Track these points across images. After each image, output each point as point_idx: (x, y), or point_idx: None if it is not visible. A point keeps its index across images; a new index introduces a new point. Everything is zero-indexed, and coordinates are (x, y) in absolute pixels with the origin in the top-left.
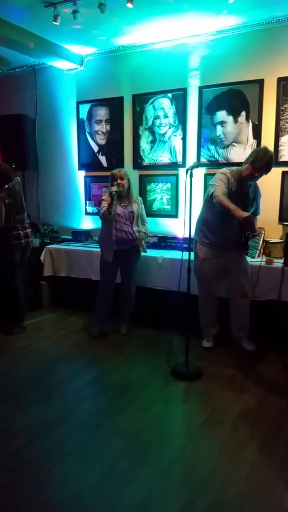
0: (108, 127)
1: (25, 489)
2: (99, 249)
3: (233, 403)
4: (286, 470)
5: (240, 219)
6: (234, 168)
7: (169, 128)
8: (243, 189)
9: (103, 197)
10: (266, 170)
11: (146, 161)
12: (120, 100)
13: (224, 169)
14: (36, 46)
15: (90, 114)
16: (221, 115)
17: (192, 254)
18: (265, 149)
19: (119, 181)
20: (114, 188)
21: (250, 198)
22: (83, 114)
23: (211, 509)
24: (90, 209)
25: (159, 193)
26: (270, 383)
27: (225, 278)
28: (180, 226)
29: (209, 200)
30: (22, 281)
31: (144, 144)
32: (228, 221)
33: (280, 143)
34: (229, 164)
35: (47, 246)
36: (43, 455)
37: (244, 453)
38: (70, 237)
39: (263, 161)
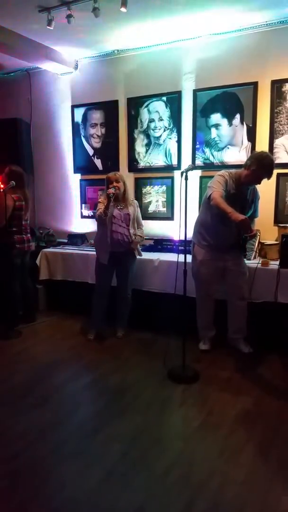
0: (103, 130)
1: (21, 495)
2: (95, 252)
3: (230, 406)
4: (284, 472)
5: (236, 222)
6: (233, 170)
7: (164, 131)
8: (241, 191)
9: (99, 200)
10: (268, 177)
11: (142, 164)
12: (115, 103)
13: (223, 171)
14: (30, 50)
15: (85, 118)
16: (216, 118)
17: (188, 256)
18: (267, 156)
19: (114, 183)
20: (112, 190)
21: (248, 201)
22: (78, 118)
23: (210, 511)
24: (85, 212)
25: (155, 196)
26: (267, 385)
27: (223, 280)
28: (176, 229)
29: (207, 202)
30: (25, 284)
31: (139, 147)
32: (226, 223)
33: (274, 146)
34: (224, 166)
35: (43, 250)
36: (39, 460)
37: (241, 455)
38: (66, 241)
39: (265, 169)
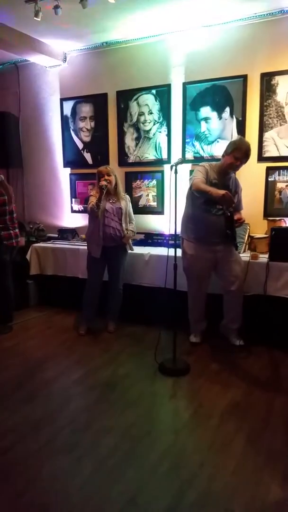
0: (92, 124)
1: (12, 489)
2: (85, 247)
3: (220, 398)
4: (273, 462)
5: (218, 197)
6: (213, 162)
7: (154, 124)
8: (223, 181)
9: (91, 193)
10: (246, 158)
11: (131, 158)
12: (104, 96)
13: (202, 163)
14: (17, 42)
15: (74, 111)
16: (205, 111)
17: (178, 250)
18: (241, 138)
19: (106, 177)
20: (104, 182)
21: (231, 191)
22: (67, 111)
23: (200, 501)
24: (76, 207)
25: (145, 190)
26: (256, 377)
27: (215, 272)
28: (166, 223)
29: (190, 194)
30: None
31: (129, 141)
32: (211, 211)
33: (264, 139)
34: (214, 160)
35: (33, 245)
36: (31, 454)
37: (231, 446)
38: (57, 236)
39: (242, 149)
